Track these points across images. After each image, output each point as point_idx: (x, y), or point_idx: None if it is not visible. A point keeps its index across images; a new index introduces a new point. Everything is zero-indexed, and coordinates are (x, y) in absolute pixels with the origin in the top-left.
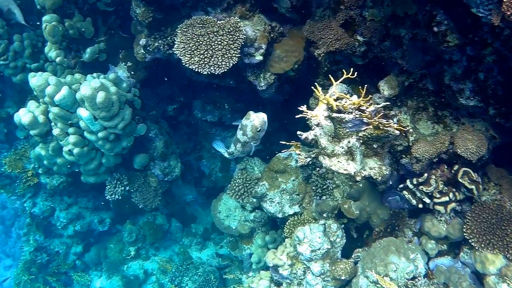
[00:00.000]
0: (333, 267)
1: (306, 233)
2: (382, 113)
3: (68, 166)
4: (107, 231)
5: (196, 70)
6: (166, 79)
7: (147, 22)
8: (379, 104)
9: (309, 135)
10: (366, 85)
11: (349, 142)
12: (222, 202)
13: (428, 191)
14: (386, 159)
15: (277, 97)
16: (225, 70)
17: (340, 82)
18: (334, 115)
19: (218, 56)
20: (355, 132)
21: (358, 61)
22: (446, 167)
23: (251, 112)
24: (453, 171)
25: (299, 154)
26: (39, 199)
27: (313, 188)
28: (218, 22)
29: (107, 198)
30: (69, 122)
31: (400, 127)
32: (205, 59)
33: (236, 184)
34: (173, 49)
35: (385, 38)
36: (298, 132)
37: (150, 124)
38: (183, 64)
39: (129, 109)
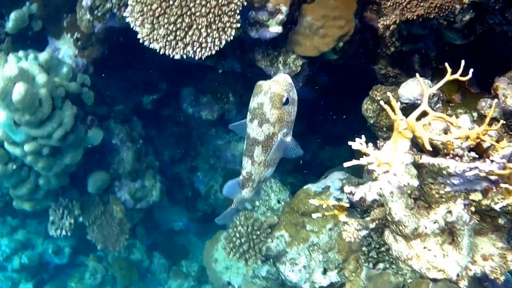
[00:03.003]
0: None
1: None
2: None
3: None
4: (67, 263)
5: (160, 52)
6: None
7: None
8: None
9: (368, 193)
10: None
11: (449, 212)
12: (220, 245)
13: None
14: None
15: (307, 93)
16: (212, 53)
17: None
18: (425, 160)
19: (200, 27)
20: (462, 193)
21: (455, 39)
22: None
23: (260, 82)
24: None
25: (345, 223)
26: None
27: (363, 248)
28: None
29: (50, 234)
30: None
31: None
32: (178, 33)
33: (237, 235)
34: (125, 14)
35: None
36: (346, 189)
37: (114, 125)
38: (139, 40)
39: (72, 108)
